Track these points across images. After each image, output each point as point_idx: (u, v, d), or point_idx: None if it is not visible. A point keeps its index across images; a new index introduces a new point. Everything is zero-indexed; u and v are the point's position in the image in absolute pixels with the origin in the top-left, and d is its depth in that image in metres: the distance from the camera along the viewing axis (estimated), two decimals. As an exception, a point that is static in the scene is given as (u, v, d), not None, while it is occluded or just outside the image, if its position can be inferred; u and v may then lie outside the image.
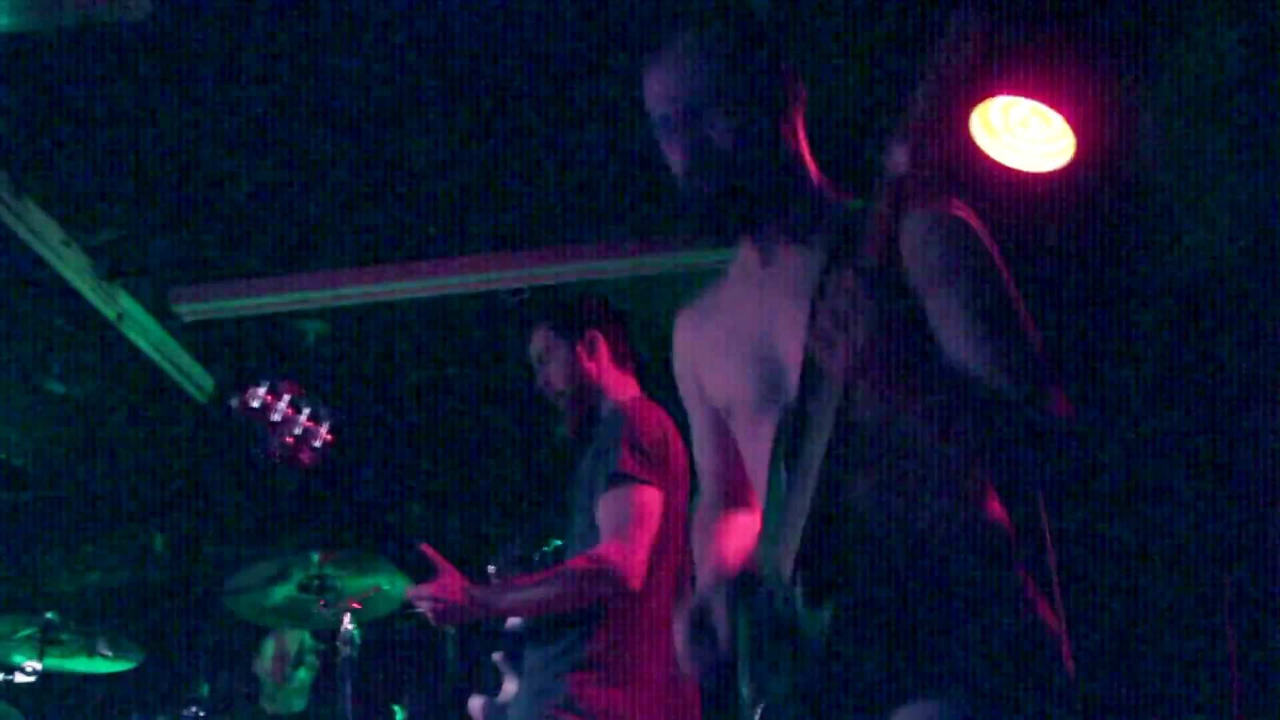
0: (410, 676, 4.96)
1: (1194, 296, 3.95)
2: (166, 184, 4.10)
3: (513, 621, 3.13)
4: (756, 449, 1.86)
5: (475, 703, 3.17)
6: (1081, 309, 3.94)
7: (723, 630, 1.77)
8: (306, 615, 3.90)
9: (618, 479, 2.93)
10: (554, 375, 3.22)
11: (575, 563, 2.93)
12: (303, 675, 4.98)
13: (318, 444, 2.84)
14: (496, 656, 3.16)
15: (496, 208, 4.34)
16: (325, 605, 3.81)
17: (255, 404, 2.82)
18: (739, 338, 1.89)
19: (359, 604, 3.81)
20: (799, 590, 1.66)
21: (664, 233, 4.46)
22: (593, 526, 2.98)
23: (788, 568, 1.68)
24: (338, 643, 3.74)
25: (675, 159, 1.83)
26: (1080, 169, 3.35)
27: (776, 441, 1.76)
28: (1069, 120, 3.24)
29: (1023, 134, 3.32)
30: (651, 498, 2.94)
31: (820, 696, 1.65)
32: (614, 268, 4.45)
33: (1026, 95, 3.25)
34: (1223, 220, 3.64)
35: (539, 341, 3.26)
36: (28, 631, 4.10)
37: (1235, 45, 3.16)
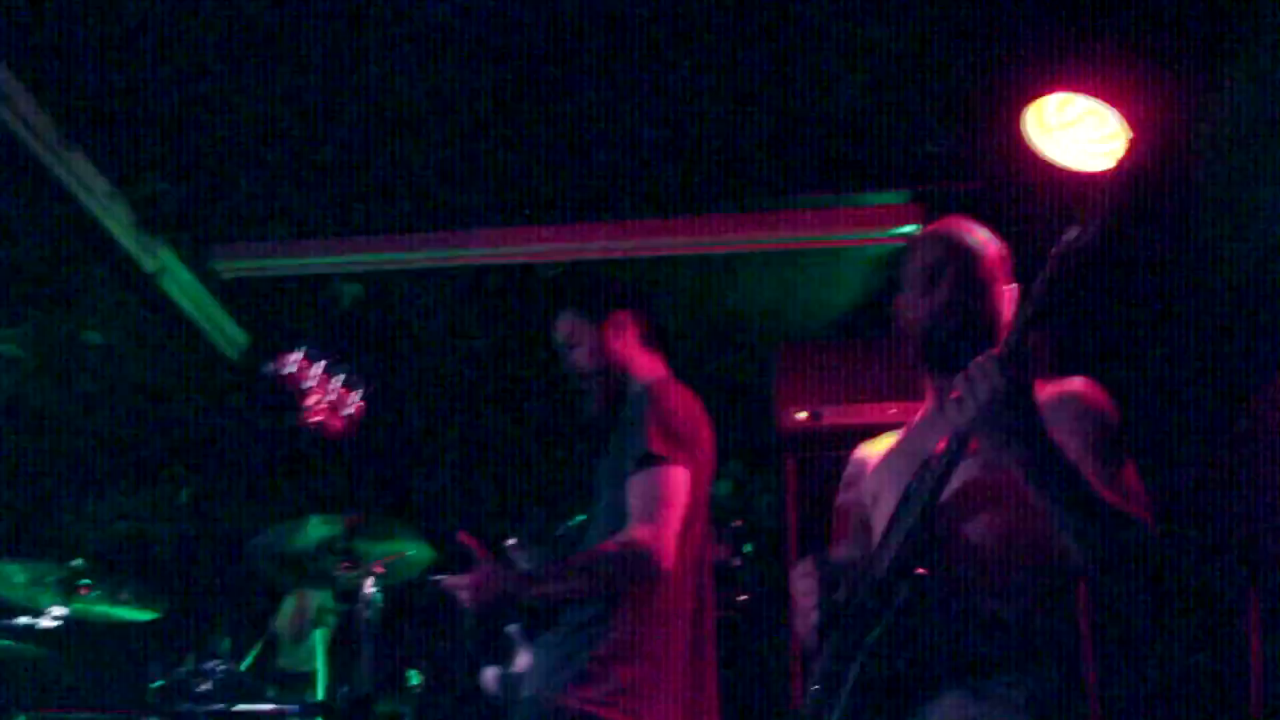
0: (427, 643, 4.97)
1: (1249, 297, 3.89)
2: (212, 141, 4.11)
3: (531, 593, 3.12)
4: (882, 512, 2.22)
5: (489, 674, 3.15)
6: (1135, 310, 3.89)
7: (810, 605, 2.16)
8: (329, 577, 3.91)
9: (646, 460, 2.90)
10: (580, 358, 3.20)
11: (606, 547, 2.89)
12: (319, 635, 5.00)
13: (349, 412, 2.86)
14: (512, 629, 3.15)
15: (535, 180, 4.33)
16: (347, 568, 3.82)
17: (289, 370, 2.84)
18: (906, 454, 2.28)
19: (382, 569, 3.81)
20: (887, 570, 2.01)
21: (699, 213, 4.43)
22: (618, 504, 2.95)
23: (883, 565, 2.04)
24: (358, 606, 3.75)
25: (921, 305, 2.28)
26: (1134, 168, 3.29)
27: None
28: (1125, 118, 3.18)
29: (1076, 132, 3.26)
30: (680, 477, 2.92)
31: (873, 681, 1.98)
32: (654, 245, 4.42)
33: (1084, 92, 3.20)
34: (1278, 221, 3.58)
35: (564, 326, 3.23)
36: (54, 577, 4.12)
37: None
